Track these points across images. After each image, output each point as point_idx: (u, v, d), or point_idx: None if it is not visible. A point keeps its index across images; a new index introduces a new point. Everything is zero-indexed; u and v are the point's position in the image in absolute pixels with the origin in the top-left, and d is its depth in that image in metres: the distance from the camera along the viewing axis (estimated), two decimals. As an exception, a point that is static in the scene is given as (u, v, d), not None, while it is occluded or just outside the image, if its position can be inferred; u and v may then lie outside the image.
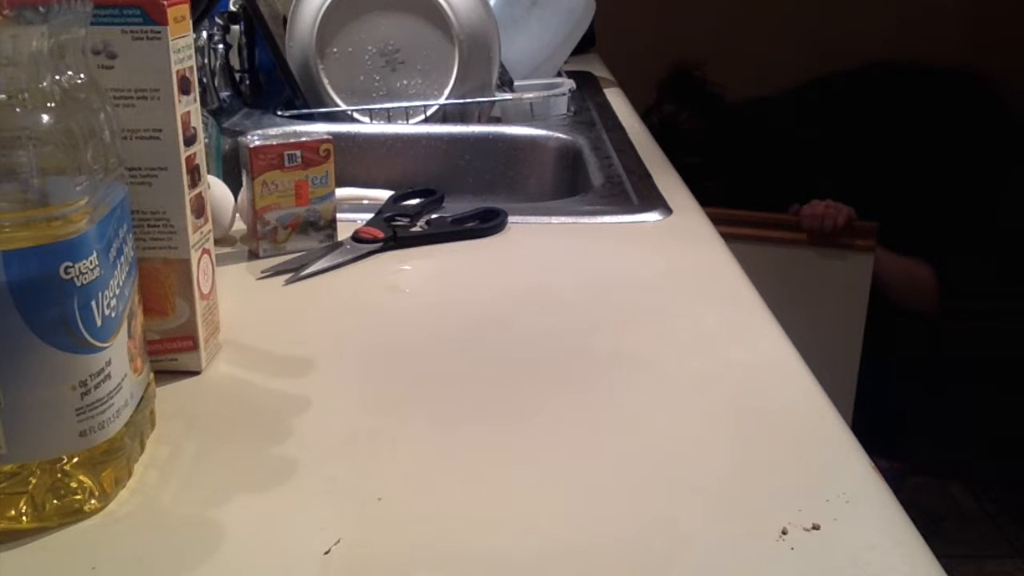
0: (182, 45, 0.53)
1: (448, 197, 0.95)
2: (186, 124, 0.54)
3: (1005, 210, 2.27)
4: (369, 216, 0.86)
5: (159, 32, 0.51)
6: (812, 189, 2.06)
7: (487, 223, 0.85)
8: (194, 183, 0.55)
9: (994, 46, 2.46)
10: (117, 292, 0.45)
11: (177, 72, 0.52)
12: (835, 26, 2.57)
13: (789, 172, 2.25)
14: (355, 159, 1.19)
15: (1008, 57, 2.42)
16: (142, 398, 0.49)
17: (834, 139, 2.28)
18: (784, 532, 0.43)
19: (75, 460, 0.44)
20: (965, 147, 2.31)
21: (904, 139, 2.29)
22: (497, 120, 1.34)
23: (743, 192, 2.20)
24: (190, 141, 0.55)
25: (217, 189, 0.80)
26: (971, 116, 2.37)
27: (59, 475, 0.43)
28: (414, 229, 0.84)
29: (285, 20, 1.25)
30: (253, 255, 0.80)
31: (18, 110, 0.40)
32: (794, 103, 2.38)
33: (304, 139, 0.79)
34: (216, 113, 1.23)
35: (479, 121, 1.30)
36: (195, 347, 0.58)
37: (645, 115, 2.20)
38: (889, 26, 2.54)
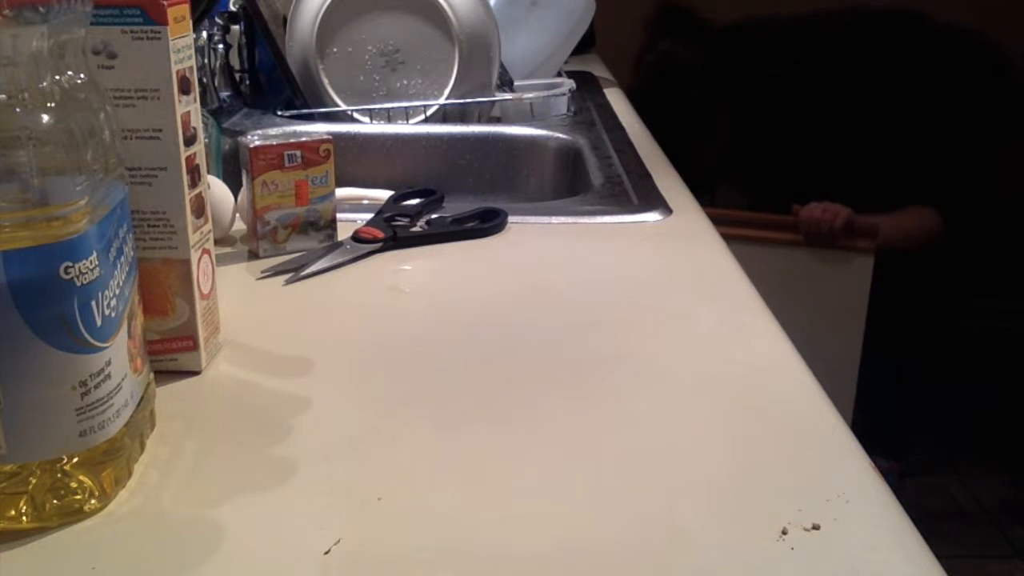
0: (182, 45, 0.53)
1: (448, 197, 0.95)
2: (186, 124, 0.54)
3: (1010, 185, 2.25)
4: (369, 216, 0.86)
5: (159, 32, 0.51)
6: (816, 129, 2.04)
7: (487, 223, 0.85)
8: (194, 183, 0.55)
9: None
10: (117, 292, 0.45)
11: (177, 72, 0.52)
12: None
13: (793, 100, 2.23)
14: (355, 159, 1.19)
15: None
16: (142, 398, 0.49)
17: (835, 74, 2.25)
18: (784, 532, 0.43)
19: (75, 460, 0.44)
20: (968, 108, 2.28)
21: (905, 97, 2.25)
22: (497, 120, 1.34)
23: (751, 122, 2.19)
24: (190, 141, 0.55)
25: (217, 189, 0.80)
26: (978, 77, 2.34)
27: (59, 475, 0.43)
28: (414, 229, 0.84)
29: (285, 20, 1.25)
30: (253, 255, 0.80)
31: (18, 110, 0.40)
32: (794, 34, 2.34)
33: (304, 139, 0.79)
34: (216, 113, 1.23)
35: (479, 121, 1.30)
36: (195, 347, 0.58)
37: (640, 56, 2.18)
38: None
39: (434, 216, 0.87)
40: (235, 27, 1.32)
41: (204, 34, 1.24)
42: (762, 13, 2.32)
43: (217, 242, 0.77)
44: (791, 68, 2.29)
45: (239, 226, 0.83)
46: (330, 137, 0.80)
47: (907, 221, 2.03)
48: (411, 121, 1.24)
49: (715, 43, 2.35)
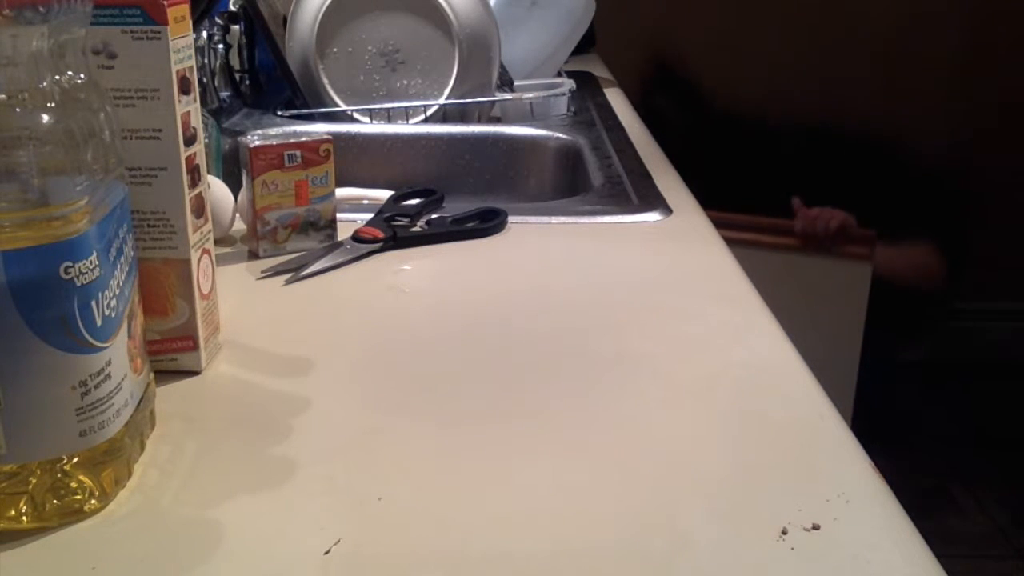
0: (182, 45, 0.53)
1: (448, 197, 0.95)
2: (186, 124, 0.54)
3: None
4: (369, 216, 0.86)
5: (159, 32, 0.51)
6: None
7: (487, 223, 0.85)
8: (194, 183, 0.55)
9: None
10: (117, 292, 0.45)
11: (177, 72, 0.52)
12: (835, 25, 2.57)
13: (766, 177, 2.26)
14: (355, 159, 1.19)
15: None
16: (142, 398, 0.49)
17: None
18: (784, 532, 0.43)
19: (75, 460, 0.44)
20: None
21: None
22: (497, 120, 1.34)
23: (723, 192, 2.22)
24: (190, 141, 0.55)
25: (217, 189, 0.80)
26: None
27: (59, 475, 0.43)
28: (414, 229, 0.84)
29: (285, 20, 1.25)
30: (253, 255, 0.79)
31: (18, 110, 0.40)
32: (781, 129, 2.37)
33: (304, 139, 0.79)
34: (216, 113, 1.23)
35: (479, 121, 1.30)
36: (195, 347, 0.58)
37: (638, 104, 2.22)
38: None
39: (434, 216, 0.87)
40: (235, 27, 1.32)
41: (204, 34, 1.24)
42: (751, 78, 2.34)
43: (217, 242, 0.77)
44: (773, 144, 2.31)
45: (239, 226, 0.83)
46: (330, 137, 0.80)
47: (903, 257, 2.03)
48: (411, 121, 1.24)
49: (704, 119, 2.37)
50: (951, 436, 2.34)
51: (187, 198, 0.55)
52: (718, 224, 0.90)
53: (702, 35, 2.51)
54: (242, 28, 1.33)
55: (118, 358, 0.45)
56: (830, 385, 0.58)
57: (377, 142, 1.20)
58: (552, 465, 0.49)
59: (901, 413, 2.20)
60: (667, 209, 0.90)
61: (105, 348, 0.44)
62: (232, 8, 1.32)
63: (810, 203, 2.03)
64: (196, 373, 0.58)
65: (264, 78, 1.38)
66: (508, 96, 1.30)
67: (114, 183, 0.45)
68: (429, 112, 1.25)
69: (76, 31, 0.43)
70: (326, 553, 0.42)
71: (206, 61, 1.25)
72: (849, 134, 2.36)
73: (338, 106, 1.24)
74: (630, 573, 0.41)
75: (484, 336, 0.65)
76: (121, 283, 0.46)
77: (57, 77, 0.42)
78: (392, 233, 0.81)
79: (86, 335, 0.43)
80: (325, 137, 0.80)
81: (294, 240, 0.80)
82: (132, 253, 0.48)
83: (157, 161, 0.53)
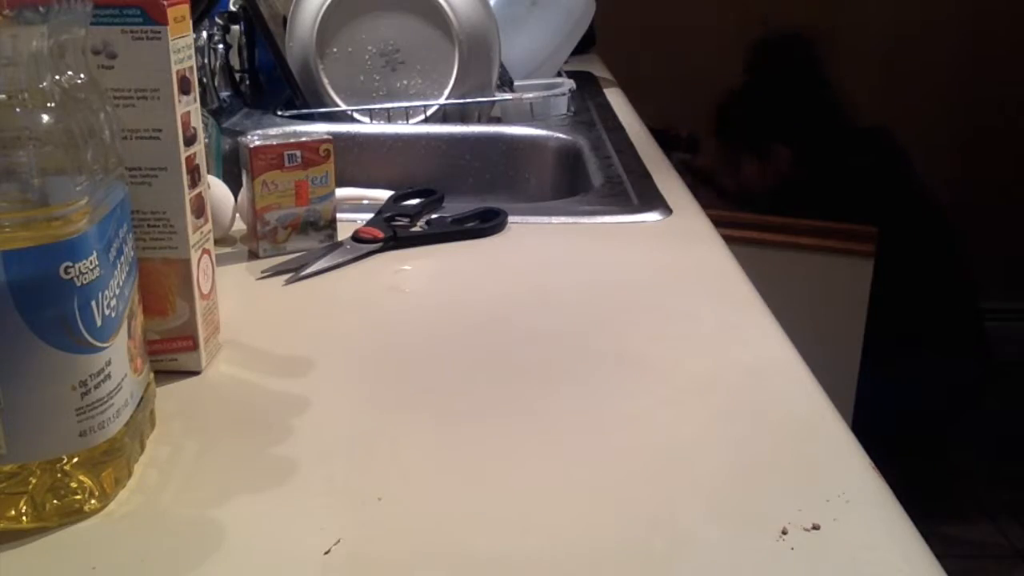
0: (182, 45, 0.53)
1: (448, 197, 0.95)
2: (186, 124, 0.54)
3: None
4: (369, 216, 0.86)
5: (159, 32, 0.51)
6: None
7: (487, 223, 0.85)
8: (194, 183, 0.55)
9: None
10: (117, 292, 0.45)
11: (177, 72, 0.53)
12: (835, 26, 2.57)
13: None
14: (355, 159, 1.19)
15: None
16: (142, 398, 0.49)
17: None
18: (784, 532, 0.43)
19: (75, 460, 0.44)
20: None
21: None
22: (497, 120, 1.34)
23: None
24: (190, 141, 0.55)
25: (217, 189, 0.80)
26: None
27: (59, 475, 0.43)
28: (414, 229, 0.84)
29: (285, 20, 1.25)
30: (253, 255, 0.80)
31: (18, 110, 0.40)
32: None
33: (304, 139, 0.79)
34: (216, 113, 1.23)
35: (479, 121, 1.30)
36: (195, 347, 0.58)
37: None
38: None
39: (434, 216, 0.87)
40: (235, 27, 1.32)
41: (204, 34, 1.24)
42: None
43: (217, 242, 0.77)
44: None
45: (239, 226, 0.83)
46: (330, 137, 0.80)
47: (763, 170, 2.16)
48: (411, 121, 1.24)
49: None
50: (951, 436, 2.34)
51: (187, 198, 0.55)
52: (720, 223, 0.90)
53: (702, 35, 2.51)
54: (242, 28, 1.33)
55: (118, 358, 0.45)
56: (830, 385, 0.58)
57: (377, 142, 1.20)
58: (552, 465, 0.49)
59: (901, 413, 2.19)
60: (667, 209, 0.90)
61: (105, 348, 0.44)
62: (232, 8, 1.32)
63: (808, 204, 2.04)
64: (196, 373, 0.58)
65: (264, 78, 1.38)
66: (508, 96, 1.30)
67: (114, 183, 0.45)
68: (429, 112, 1.25)
69: (76, 31, 0.43)
70: (326, 553, 0.42)
71: (206, 61, 1.25)
72: (849, 134, 2.36)
73: (338, 106, 1.24)
74: (630, 573, 0.41)
75: (484, 336, 0.65)
76: (121, 283, 0.46)
77: (57, 77, 0.42)
78: (392, 233, 0.81)
79: (86, 335, 0.43)
80: (325, 137, 0.80)
81: (294, 240, 0.80)
82: (132, 253, 0.48)
83: (157, 161, 0.53)
